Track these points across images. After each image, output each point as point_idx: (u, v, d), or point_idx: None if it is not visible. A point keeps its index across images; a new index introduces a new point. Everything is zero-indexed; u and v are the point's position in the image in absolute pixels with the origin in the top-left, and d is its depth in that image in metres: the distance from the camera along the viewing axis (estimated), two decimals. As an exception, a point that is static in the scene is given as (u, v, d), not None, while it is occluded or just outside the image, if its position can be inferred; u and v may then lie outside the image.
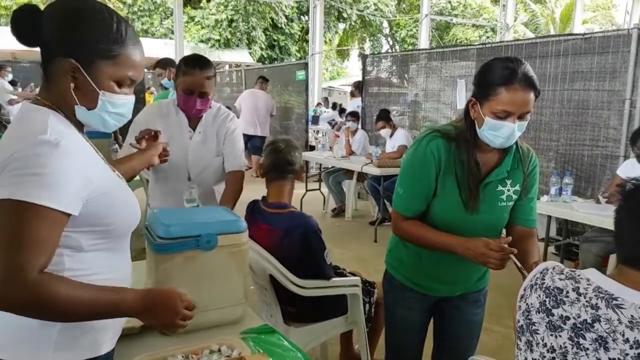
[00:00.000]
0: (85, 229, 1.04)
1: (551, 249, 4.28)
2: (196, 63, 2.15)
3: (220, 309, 1.47)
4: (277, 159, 2.15)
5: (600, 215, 3.20)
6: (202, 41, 19.85)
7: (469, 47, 5.97)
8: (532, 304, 1.07)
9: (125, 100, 1.10)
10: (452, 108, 5.92)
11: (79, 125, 1.10)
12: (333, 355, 2.61)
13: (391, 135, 5.56)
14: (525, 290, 1.10)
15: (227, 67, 16.71)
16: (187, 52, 16.21)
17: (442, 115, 6.16)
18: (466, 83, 5.56)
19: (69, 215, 0.97)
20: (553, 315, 1.02)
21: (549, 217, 3.85)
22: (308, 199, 5.96)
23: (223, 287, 1.46)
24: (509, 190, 1.62)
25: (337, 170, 6.03)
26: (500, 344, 2.93)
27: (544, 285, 1.06)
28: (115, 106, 1.08)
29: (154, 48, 17.38)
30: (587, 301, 0.99)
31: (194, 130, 2.26)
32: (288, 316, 2.17)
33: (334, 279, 2.13)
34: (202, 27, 20.16)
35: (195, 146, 2.25)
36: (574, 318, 0.99)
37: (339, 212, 6.10)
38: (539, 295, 1.06)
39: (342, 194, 6.10)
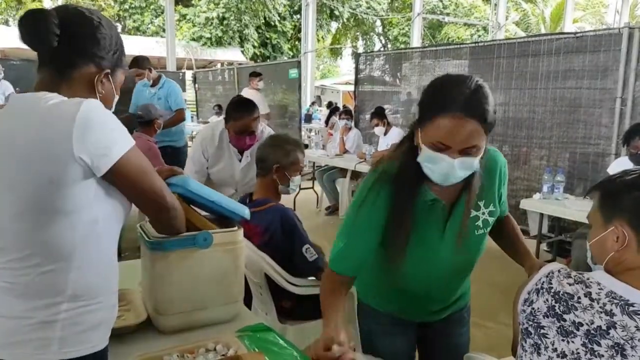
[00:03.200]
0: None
1: (543, 246, 4.31)
2: (244, 109, 2.59)
3: (216, 307, 1.47)
4: (256, 154, 2.25)
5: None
6: (193, 39, 19.77)
7: (462, 45, 5.99)
8: (538, 308, 1.04)
9: None
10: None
11: None
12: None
13: (385, 133, 5.56)
14: (530, 294, 1.07)
15: (219, 65, 16.65)
16: (178, 51, 16.18)
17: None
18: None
19: None
20: (565, 320, 1.00)
21: (541, 214, 3.87)
22: (301, 197, 5.95)
23: (219, 285, 1.45)
24: (484, 213, 1.38)
25: (331, 168, 6.04)
26: (494, 340, 2.94)
27: (552, 290, 1.04)
28: (113, 105, 1.21)
29: (145, 46, 17.31)
30: (600, 307, 0.98)
31: (242, 154, 2.72)
32: (284, 313, 2.17)
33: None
34: (194, 25, 20.07)
35: (244, 167, 2.73)
36: (587, 324, 0.98)
37: (332, 210, 6.10)
38: (547, 300, 1.03)
39: (335, 192, 6.10)
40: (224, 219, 1.52)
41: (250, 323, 1.49)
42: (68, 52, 1.08)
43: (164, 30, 16.95)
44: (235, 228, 1.48)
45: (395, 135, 5.50)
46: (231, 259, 1.47)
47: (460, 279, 1.51)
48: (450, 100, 1.15)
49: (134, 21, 21.16)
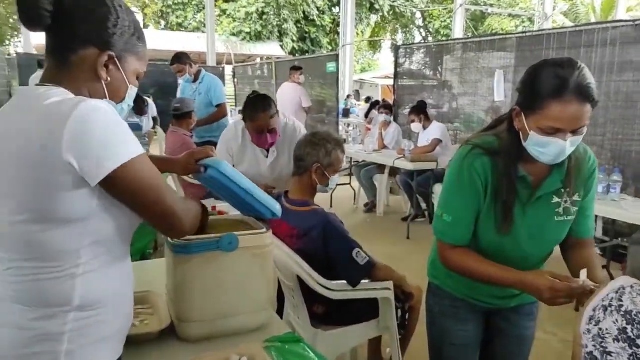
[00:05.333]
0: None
1: (596, 250, 4.04)
2: (259, 107, 2.48)
3: (242, 315, 1.37)
4: (294, 152, 2.14)
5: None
6: (233, 34, 19.93)
7: (507, 36, 5.70)
8: (607, 329, 0.90)
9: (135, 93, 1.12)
10: (489, 101, 5.69)
11: None
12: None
13: (425, 128, 5.35)
14: (595, 311, 0.93)
15: (258, 60, 16.71)
16: (218, 46, 16.33)
17: (478, 107, 5.93)
18: (505, 74, 5.32)
19: None
20: (639, 347, 0.86)
21: (595, 216, 3.61)
22: (338, 193, 5.83)
23: (245, 291, 1.36)
24: (566, 201, 1.40)
25: (369, 164, 5.89)
26: (541, 351, 2.75)
27: (623, 309, 0.89)
28: (131, 99, 1.10)
29: (187, 41, 17.58)
30: None
31: (267, 150, 2.65)
32: (316, 318, 2.07)
33: (364, 281, 2.00)
34: (234, 20, 20.24)
35: (271, 164, 2.66)
36: None
37: (370, 207, 5.96)
38: (616, 320, 0.89)
39: (373, 188, 5.94)
40: (249, 226, 1.42)
41: (279, 332, 1.40)
42: (65, 32, 0.97)
43: (205, 26, 17.12)
44: (264, 230, 1.38)
45: (436, 130, 5.28)
46: (259, 264, 1.37)
47: (534, 265, 1.48)
48: (564, 86, 1.19)
49: (177, 17, 21.54)
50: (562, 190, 1.39)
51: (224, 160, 2.69)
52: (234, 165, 2.66)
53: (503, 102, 5.42)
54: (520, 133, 1.32)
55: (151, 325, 1.39)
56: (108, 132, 0.89)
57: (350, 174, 6.43)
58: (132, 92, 1.08)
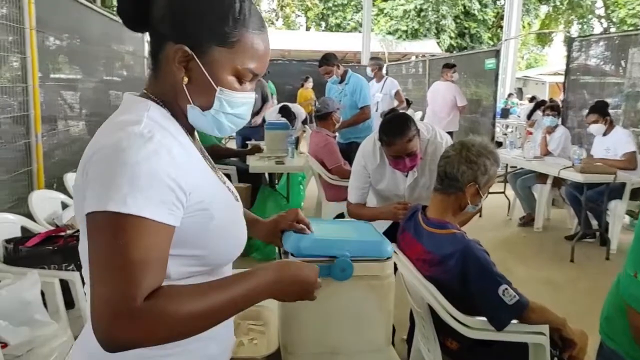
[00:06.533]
0: (174, 251, 0.79)
1: None
2: (396, 131, 2.24)
3: (355, 353, 1.19)
4: (440, 166, 1.83)
5: None
6: (389, 33, 19.85)
7: None
8: None
9: (245, 99, 0.87)
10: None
11: (189, 128, 0.88)
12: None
13: (605, 134, 4.54)
14: None
15: (413, 58, 16.37)
16: (373, 45, 16.37)
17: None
18: None
19: (172, 227, 0.76)
20: None
21: None
22: (489, 203, 5.29)
23: (359, 327, 1.18)
24: None
25: (527, 172, 5.24)
26: None
27: None
28: (234, 106, 0.85)
29: (344, 41, 18.03)
30: None
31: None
32: (450, 354, 1.79)
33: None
34: (391, 19, 20.14)
35: (410, 185, 2.48)
36: None
37: (527, 221, 5.31)
38: None
39: (532, 200, 5.28)
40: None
41: (396, 379, 1.19)
42: (157, 26, 0.83)
43: (361, 25, 17.34)
44: (384, 257, 1.18)
45: (620, 137, 4.40)
46: (376, 297, 1.17)
47: None
48: None
49: (336, 18, 22.21)
50: None
51: (361, 177, 2.48)
52: (371, 183, 2.53)
53: None
54: None
55: (259, 348, 1.29)
56: (111, 174, 0.72)
57: (505, 182, 5.82)
58: (228, 96, 0.83)
